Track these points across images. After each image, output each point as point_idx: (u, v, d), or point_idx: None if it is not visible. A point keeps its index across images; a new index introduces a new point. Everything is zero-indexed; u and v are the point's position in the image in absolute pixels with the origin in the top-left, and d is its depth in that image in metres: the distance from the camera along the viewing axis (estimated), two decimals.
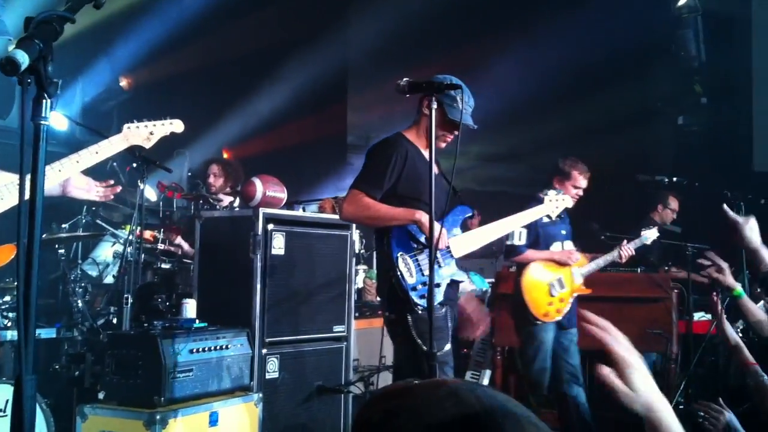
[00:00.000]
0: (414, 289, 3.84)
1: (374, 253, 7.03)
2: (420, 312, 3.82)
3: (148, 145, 3.07)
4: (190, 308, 4.79)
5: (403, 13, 9.51)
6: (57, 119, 6.96)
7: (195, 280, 5.36)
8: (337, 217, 5.70)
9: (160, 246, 6.19)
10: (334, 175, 9.52)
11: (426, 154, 4.13)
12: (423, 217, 3.78)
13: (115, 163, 7.00)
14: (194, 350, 4.50)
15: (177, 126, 3.17)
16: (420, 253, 3.94)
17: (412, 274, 3.88)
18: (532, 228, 5.44)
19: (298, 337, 5.33)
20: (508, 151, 10.29)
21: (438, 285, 3.82)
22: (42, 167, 1.71)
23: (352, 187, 4.03)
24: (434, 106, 3.69)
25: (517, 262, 5.67)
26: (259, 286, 5.06)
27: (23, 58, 1.67)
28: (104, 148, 2.89)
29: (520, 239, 5.49)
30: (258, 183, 5.47)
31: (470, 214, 4.36)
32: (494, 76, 8.74)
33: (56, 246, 5.53)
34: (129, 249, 5.88)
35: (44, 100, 1.77)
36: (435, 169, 4.11)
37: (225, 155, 8.60)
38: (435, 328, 3.65)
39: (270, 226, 5.16)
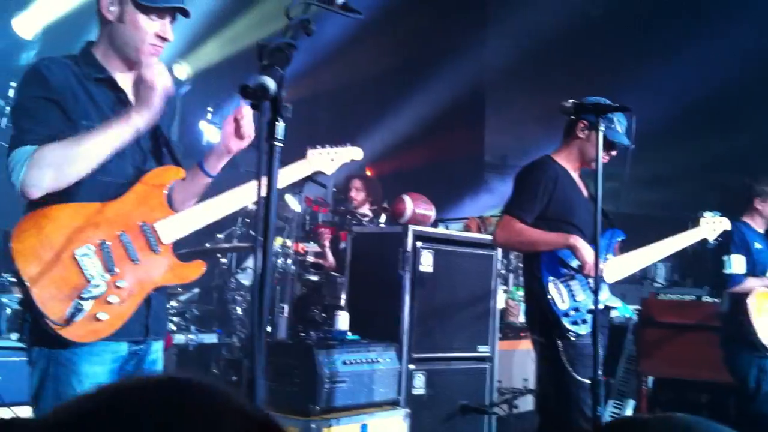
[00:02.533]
0: (566, 315, 3.79)
1: (511, 273, 7.04)
2: (572, 338, 3.78)
3: (329, 171, 3.05)
4: (342, 320, 4.92)
5: (540, 32, 9.45)
6: (212, 133, 7.35)
7: (345, 292, 5.50)
8: (482, 236, 5.72)
9: (309, 258, 6.39)
10: (471, 194, 9.54)
11: (576, 176, 4.11)
12: (577, 242, 3.76)
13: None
14: (347, 362, 4.62)
15: (357, 153, 3.22)
16: (571, 278, 3.89)
17: (564, 299, 3.83)
18: (747, 255, 5.20)
19: (444, 354, 5.36)
20: (656, 174, 10.01)
21: (592, 311, 3.74)
22: (275, 185, 1.83)
23: (504, 212, 4.01)
24: (601, 128, 3.64)
25: (736, 293, 5.21)
26: (407, 302, 5.14)
27: (272, 85, 1.78)
28: (289, 172, 2.95)
29: (737, 268, 5.14)
30: (408, 201, 5.57)
31: (622, 238, 4.25)
32: (635, 98, 8.51)
33: (217, 255, 5.82)
34: (280, 260, 6.10)
35: (278, 123, 1.87)
36: (584, 192, 4.08)
37: (368, 172, 8.80)
38: (585, 355, 3.63)
39: (419, 243, 5.24)
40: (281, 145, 1.87)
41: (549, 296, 3.79)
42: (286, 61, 1.87)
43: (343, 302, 5.67)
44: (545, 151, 4.23)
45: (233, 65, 8.58)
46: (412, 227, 5.29)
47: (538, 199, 3.92)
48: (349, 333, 4.86)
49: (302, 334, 4.90)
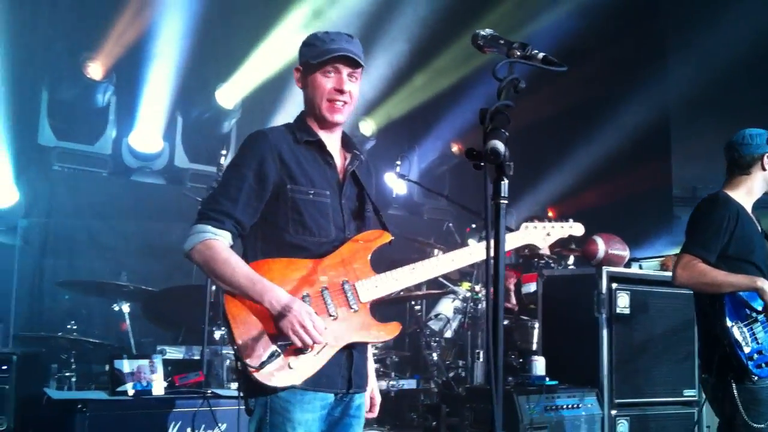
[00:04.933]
0: (750, 358, 3.65)
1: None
2: (751, 383, 3.63)
3: (544, 245, 3.03)
4: (539, 365, 4.88)
5: (724, 56, 8.97)
6: (398, 185, 7.60)
7: (536, 336, 5.45)
8: None
9: None
10: (662, 229, 9.15)
11: (750, 211, 3.94)
12: (765, 284, 3.65)
13: (450, 224, 7.45)
14: (548, 408, 4.56)
15: (577, 229, 3.14)
16: (754, 321, 3.72)
17: (747, 343, 3.68)
18: None
19: (647, 399, 5.16)
20: None
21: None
22: (503, 242, 1.90)
23: (684, 251, 3.85)
24: None
25: None
26: (605, 345, 5.02)
27: (502, 148, 1.87)
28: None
29: None
30: (600, 241, 5.47)
31: None
32: None
33: (412, 302, 5.98)
34: (469, 305, 6.16)
35: (503, 181, 1.95)
36: (759, 228, 3.93)
37: (550, 214, 8.71)
38: (761, 401, 3.59)
39: (614, 285, 5.12)
40: (506, 202, 1.94)
41: (734, 340, 3.66)
42: (507, 122, 1.95)
43: (535, 346, 5.63)
44: None
45: (413, 119, 8.90)
46: (606, 268, 5.18)
47: (720, 238, 3.78)
48: (547, 378, 4.80)
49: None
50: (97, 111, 7.23)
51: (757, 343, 3.66)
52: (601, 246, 5.45)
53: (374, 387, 2.98)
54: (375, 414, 3.00)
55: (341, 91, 2.72)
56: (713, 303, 3.74)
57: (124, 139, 7.36)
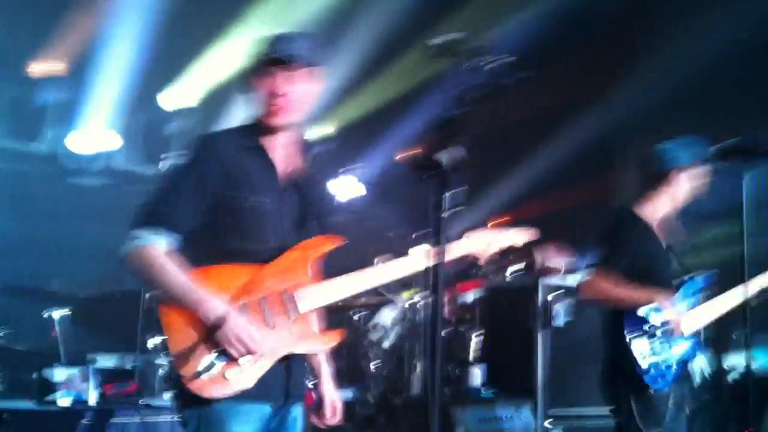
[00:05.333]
0: (647, 372, 3.72)
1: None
2: (647, 394, 3.70)
3: (485, 255, 2.95)
4: (476, 376, 4.92)
5: (695, 61, 8.89)
6: (343, 191, 7.63)
7: (476, 347, 5.47)
8: None
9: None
10: None
11: (656, 227, 3.93)
12: (661, 299, 3.73)
13: (393, 233, 7.44)
14: (483, 419, 4.60)
15: (520, 237, 3.03)
16: (652, 335, 3.79)
17: (645, 356, 3.75)
18: None
19: (582, 409, 5.20)
20: None
21: (669, 367, 3.77)
22: (443, 258, 1.92)
23: (589, 267, 3.92)
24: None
25: None
26: (540, 356, 5.08)
27: (447, 160, 1.91)
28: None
29: None
30: (538, 252, 5.52)
31: (704, 285, 4.03)
32: None
33: (350, 312, 5.96)
34: (408, 315, 6.15)
35: (445, 196, 1.96)
36: (663, 243, 3.94)
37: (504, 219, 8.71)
38: (655, 409, 3.66)
39: (550, 296, 5.19)
40: (446, 216, 1.95)
41: (632, 353, 3.73)
42: (455, 133, 1.97)
43: (472, 356, 5.64)
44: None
45: (373, 121, 8.87)
46: (543, 280, 5.24)
47: (623, 255, 3.82)
48: (484, 389, 4.84)
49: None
50: (37, 110, 7.06)
51: (655, 357, 3.74)
52: (538, 256, 5.50)
53: (334, 391, 2.95)
54: (338, 420, 2.96)
55: (275, 94, 2.65)
56: (614, 317, 3.81)
57: (62, 140, 7.20)
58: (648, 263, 3.85)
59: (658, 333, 3.79)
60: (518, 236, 3.09)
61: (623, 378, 3.77)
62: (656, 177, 3.93)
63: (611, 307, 3.84)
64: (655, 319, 3.78)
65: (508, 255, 6.32)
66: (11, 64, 6.74)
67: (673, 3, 8.51)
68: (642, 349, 3.75)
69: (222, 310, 2.47)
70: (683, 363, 3.86)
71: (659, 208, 3.93)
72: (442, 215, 1.97)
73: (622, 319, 3.78)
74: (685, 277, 3.97)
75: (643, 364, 3.72)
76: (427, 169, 1.92)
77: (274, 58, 2.64)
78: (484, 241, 2.98)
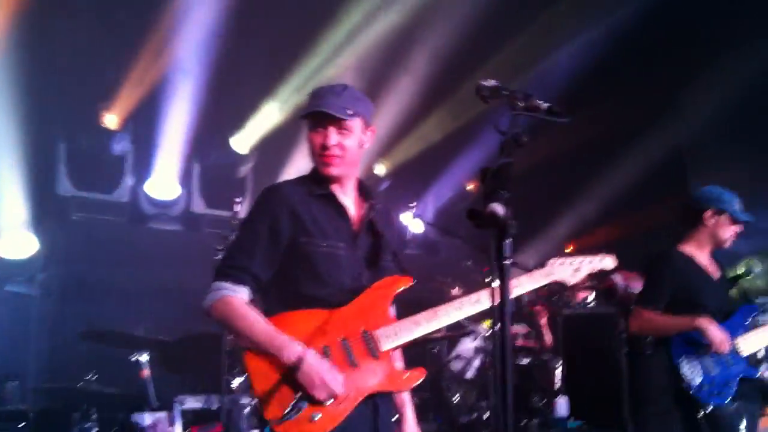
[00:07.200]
0: (700, 389, 3.91)
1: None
2: (709, 410, 3.87)
3: (573, 281, 2.93)
4: (562, 406, 4.80)
5: (740, 90, 8.79)
6: (415, 224, 7.58)
7: (561, 376, 5.37)
8: None
9: (518, 342, 6.31)
10: None
11: (705, 260, 4.21)
12: (703, 322, 3.90)
13: (469, 263, 7.40)
14: None
15: (608, 262, 3.04)
16: (702, 355, 3.98)
17: (698, 375, 3.93)
18: None
19: None
20: None
21: (727, 383, 3.95)
22: (507, 303, 1.88)
23: (634, 305, 4.17)
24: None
25: None
26: (627, 386, 4.93)
27: (501, 211, 1.85)
28: (525, 282, 2.83)
29: None
30: (619, 278, 5.40)
31: (755, 313, 4.23)
32: None
33: (428, 345, 5.92)
34: (490, 344, 6.06)
35: (505, 241, 1.91)
36: (715, 275, 4.21)
37: (568, 250, 8.63)
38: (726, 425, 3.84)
39: None
40: (509, 263, 1.91)
41: (683, 373, 3.93)
42: (507, 180, 1.93)
43: (557, 386, 5.52)
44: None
45: (427, 159, 8.89)
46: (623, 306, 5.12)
47: (664, 290, 4.09)
48: (571, 419, 4.72)
49: (524, 421, 4.82)
50: (114, 160, 7.30)
51: (708, 374, 3.94)
52: (619, 283, 5.38)
53: (416, 429, 2.94)
54: None
55: (325, 147, 2.71)
56: (660, 343, 4.05)
57: (140, 187, 7.42)
58: (688, 294, 4.07)
59: (706, 352, 3.95)
60: (608, 260, 3.05)
61: (681, 396, 3.92)
62: (693, 217, 4.20)
63: (658, 335, 4.06)
64: (701, 341, 3.94)
65: (587, 282, 6.22)
66: (87, 117, 6.98)
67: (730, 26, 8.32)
68: (693, 368, 3.95)
69: (304, 354, 2.50)
70: (745, 380, 3.99)
71: (703, 244, 4.19)
72: (504, 264, 1.91)
73: (670, 344, 4.01)
74: (742, 303, 4.25)
75: (696, 382, 3.91)
76: (484, 220, 1.87)
77: (311, 113, 2.73)
78: (571, 267, 2.96)
